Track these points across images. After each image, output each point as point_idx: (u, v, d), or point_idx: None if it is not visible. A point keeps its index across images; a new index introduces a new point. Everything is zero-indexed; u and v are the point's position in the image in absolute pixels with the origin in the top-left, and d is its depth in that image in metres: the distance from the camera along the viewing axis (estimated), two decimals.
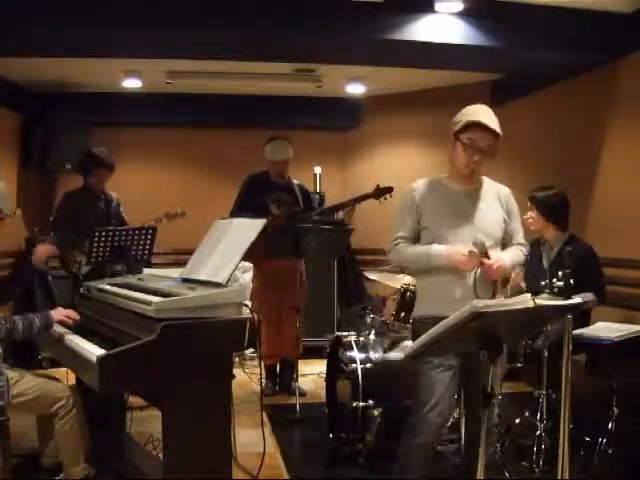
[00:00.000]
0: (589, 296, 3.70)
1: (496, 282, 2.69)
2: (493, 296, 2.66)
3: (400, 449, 2.81)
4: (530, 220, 3.91)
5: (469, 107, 2.79)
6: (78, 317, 2.96)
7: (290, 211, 4.80)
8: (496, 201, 2.84)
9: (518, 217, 2.92)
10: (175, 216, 4.89)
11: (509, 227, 2.86)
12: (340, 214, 4.90)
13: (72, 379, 3.22)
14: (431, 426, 2.69)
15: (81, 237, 4.21)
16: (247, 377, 5.50)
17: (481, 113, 2.73)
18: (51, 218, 5.90)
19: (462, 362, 2.69)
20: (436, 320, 2.62)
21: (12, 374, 2.84)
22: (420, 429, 2.72)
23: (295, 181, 5.05)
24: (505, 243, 2.86)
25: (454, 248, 2.67)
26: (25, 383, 2.87)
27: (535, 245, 4.03)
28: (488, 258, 2.63)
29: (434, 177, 2.91)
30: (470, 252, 2.61)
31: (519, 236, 2.90)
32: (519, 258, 2.87)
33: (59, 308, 3.00)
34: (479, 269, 2.65)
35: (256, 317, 2.66)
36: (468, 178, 2.80)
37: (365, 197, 4.77)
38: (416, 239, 2.82)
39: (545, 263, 3.92)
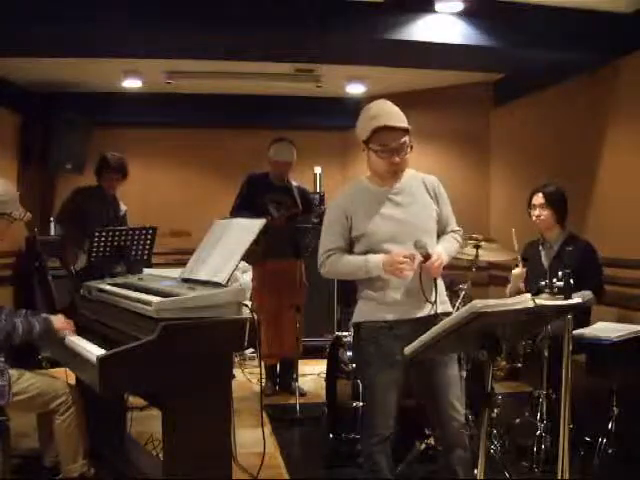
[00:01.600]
0: (588, 294, 3.70)
1: (436, 279, 2.64)
2: (436, 293, 2.62)
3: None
4: (542, 218, 3.91)
5: (368, 110, 2.69)
6: (74, 329, 2.94)
7: (289, 214, 4.80)
8: (423, 192, 2.75)
9: (448, 203, 2.82)
10: (180, 235, 4.93)
11: (442, 214, 2.77)
12: None
13: (72, 379, 3.21)
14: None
15: (83, 235, 4.24)
16: (247, 377, 5.50)
17: (381, 114, 2.64)
18: (51, 218, 5.93)
19: (416, 369, 2.67)
20: (383, 324, 2.64)
21: (12, 372, 2.85)
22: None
23: (294, 183, 5.04)
24: (439, 231, 2.78)
25: (390, 257, 2.57)
26: (25, 381, 2.87)
27: (534, 245, 4.04)
28: (429, 257, 2.56)
29: (355, 182, 2.82)
30: (410, 256, 2.54)
31: (452, 223, 2.82)
32: (455, 246, 2.79)
33: (59, 315, 2.98)
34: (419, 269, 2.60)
35: (256, 317, 2.65)
36: (391, 178, 2.72)
37: None
38: (349, 249, 2.73)
39: (545, 263, 3.92)
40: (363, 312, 2.75)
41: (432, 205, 2.75)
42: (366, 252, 2.68)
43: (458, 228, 2.85)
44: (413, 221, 2.69)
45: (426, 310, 2.65)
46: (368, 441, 2.71)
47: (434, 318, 2.58)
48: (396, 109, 2.69)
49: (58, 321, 2.90)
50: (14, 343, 2.82)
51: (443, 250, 2.69)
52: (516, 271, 3.89)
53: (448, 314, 2.69)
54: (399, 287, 2.64)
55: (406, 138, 2.66)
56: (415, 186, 2.76)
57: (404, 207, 2.70)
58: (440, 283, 2.73)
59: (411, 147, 2.68)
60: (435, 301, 2.63)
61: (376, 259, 2.62)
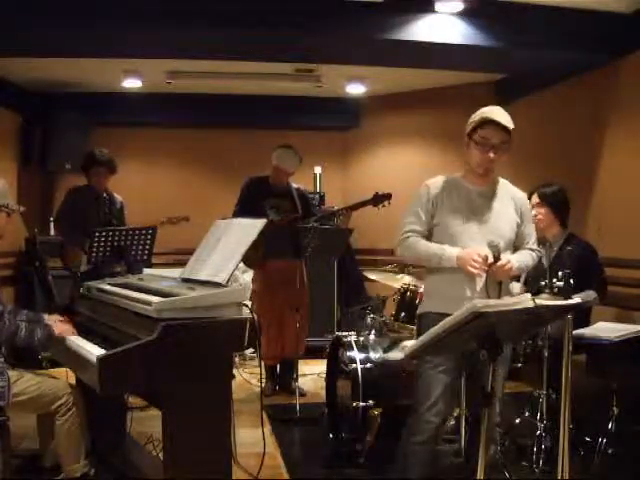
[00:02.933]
0: (592, 294, 3.70)
1: (501, 283, 2.68)
2: (499, 296, 2.65)
3: (400, 449, 2.81)
4: (540, 217, 3.91)
5: (482, 109, 2.81)
6: (75, 331, 2.93)
7: (288, 218, 4.79)
8: (510, 203, 2.84)
9: (532, 222, 2.92)
10: (178, 221, 4.94)
11: (523, 231, 2.85)
12: (336, 220, 4.89)
13: (72, 379, 3.21)
14: (429, 425, 2.69)
15: (82, 235, 4.24)
16: (247, 377, 5.50)
17: (493, 111, 2.76)
18: (51, 218, 5.93)
19: (466, 363, 2.69)
20: (443, 317, 2.66)
21: (12, 373, 2.84)
22: (418, 428, 2.72)
23: (294, 185, 5.03)
24: (517, 246, 2.86)
25: (466, 253, 2.64)
26: (25, 382, 2.87)
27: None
28: (500, 259, 2.62)
29: (450, 176, 2.90)
30: (484, 257, 2.60)
31: (531, 240, 2.89)
32: (528, 262, 2.85)
33: (60, 324, 2.97)
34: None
35: (256, 320, 2.65)
36: (483, 178, 2.81)
37: (363, 204, 4.76)
38: (428, 235, 2.81)
39: (545, 263, 3.92)
40: (426, 304, 2.83)
41: (515, 217, 2.83)
42: (440, 242, 2.75)
43: (536, 247, 2.91)
44: (494, 224, 2.76)
45: None
46: (410, 439, 2.75)
47: None
48: (505, 113, 2.80)
49: (58, 327, 2.89)
50: (15, 345, 2.82)
51: (515, 259, 2.74)
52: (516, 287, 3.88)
53: None
54: (466, 283, 2.68)
55: (507, 139, 2.76)
56: (504, 195, 2.85)
57: (488, 209, 2.78)
58: (506, 288, 2.75)
59: (507, 150, 2.78)
60: None
61: (452, 251, 2.68)
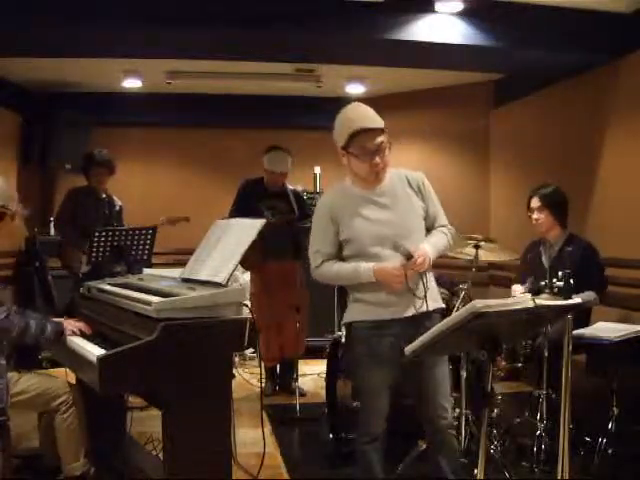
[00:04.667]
0: (591, 294, 3.70)
1: (425, 274, 2.64)
2: (424, 287, 2.63)
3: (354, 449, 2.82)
4: (540, 221, 3.90)
5: (341, 116, 2.70)
6: (90, 330, 2.93)
7: (284, 220, 4.78)
8: (407, 190, 2.74)
9: (435, 199, 2.80)
10: (178, 221, 4.95)
11: (429, 211, 2.76)
12: None
13: (72, 379, 3.21)
14: (374, 428, 2.71)
15: (82, 236, 4.25)
16: (247, 377, 5.50)
17: (357, 117, 2.65)
18: (51, 218, 5.93)
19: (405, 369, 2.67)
20: (373, 324, 2.65)
21: (11, 373, 2.85)
22: (365, 430, 2.74)
23: (290, 187, 5.02)
24: (428, 227, 2.77)
25: (382, 270, 2.58)
26: (25, 381, 2.88)
27: (535, 245, 4.03)
28: (412, 257, 2.56)
29: (339, 186, 2.82)
30: (401, 269, 2.56)
31: (441, 218, 2.80)
32: (444, 240, 2.76)
33: (70, 320, 2.98)
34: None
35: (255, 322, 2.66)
36: (374, 180, 2.72)
37: None
38: (339, 253, 2.73)
39: (545, 262, 3.92)
40: (353, 312, 2.76)
41: (417, 202, 2.74)
42: (354, 256, 2.68)
43: (446, 222, 2.82)
44: (398, 222, 2.68)
45: (415, 309, 2.65)
46: (360, 440, 2.74)
47: (425, 315, 2.62)
48: (369, 111, 2.67)
49: (70, 325, 2.90)
50: (25, 342, 2.82)
51: (429, 246, 2.67)
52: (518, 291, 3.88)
53: (440, 310, 2.73)
54: (384, 287, 2.63)
55: (383, 138, 2.64)
56: (398, 185, 2.75)
57: (389, 208, 2.70)
58: (430, 279, 2.71)
59: (389, 146, 2.67)
60: (425, 297, 2.63)
61: (367, 268, 2.61)
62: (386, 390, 2.69)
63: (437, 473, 2.69)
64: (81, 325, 2.91)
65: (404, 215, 2.70)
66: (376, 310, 2.66)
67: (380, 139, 2.63)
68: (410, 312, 2.65)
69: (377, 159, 2.64)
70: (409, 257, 2.56)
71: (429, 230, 2.78)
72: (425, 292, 2.64)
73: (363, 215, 2.68)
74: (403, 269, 2.56)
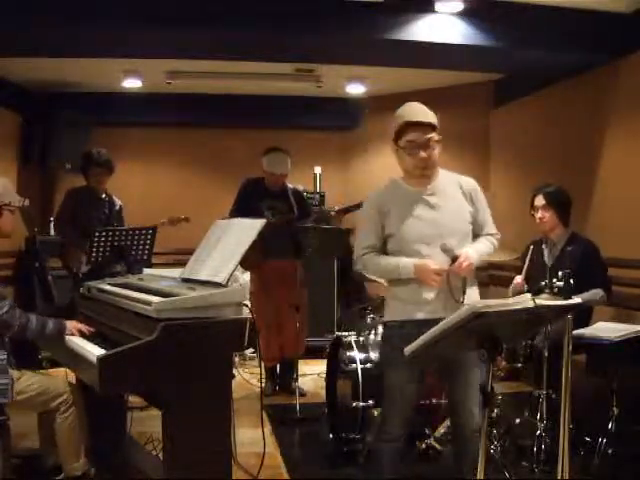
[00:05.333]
0: (599, 292, 3.71)
1: (465, 278, 2.65)
2: (463, 292, 2.63)
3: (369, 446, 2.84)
4: (545, 219, 3.90)
5: (398, 110, 2.74)
6: (92, 330, 2.93)
7: (284, 219, 4.78)
8: (458, 194, 2.77)
9: (486, 207, 2.84)
10: (179, 221, 4.95)
11: (477, 218, 2.79)
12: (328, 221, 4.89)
13: (72, 378, 3.21)
14: (395, 427, 2.72)
15: (82, 236, 4.25)
16: (247, 377, 5.50)
17: (411, 111, 2.70)
18: (51, 219, 5.93)
19: (442, 370, 2.69)
20: (408, 323, 2.67)
21: (12, 371, 2.85)
22: (386, 427, 2.76)
23: (290, 186, 5.02)
24: (476, 234, 2.80)
25: (423, 266, 2.61)
26: (25, 381, 2.88)
27: (538, 244, 4.03)
28: (457, 259, 2.59)
29: (391, 181, 2.86)
30: (439, 270, 2.58)
31: (488, 226, 2.83)
32: (488, 249, 2.80)
33: (73, 322, 2.97)
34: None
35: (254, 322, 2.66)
36: (424, 177, 2.75)
37: (359, 206, 4.75)
38: (383, 247, 2.77)
39: (548, 262, 3.92)
40: (389, 312, 2.80)
41: (466, 207, 2.77)
42: (397, 251, 2.71)
43: (495, 232, 2.85)
44: (445, 222, 2.70)
45: (451, 311, 2.65)
46: (377, 437, 2.78)
47: None
48: (422, 107, 2.73)
49: (72, 325, 2.90)
50: (26, 338, 2.83)
51: (473, 250, 2.70)
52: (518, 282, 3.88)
53: None
54: (424, 287, 2.65)
55: (433, 134, 2.69)
56: (450, 187, 2.79)
57: (437, 208, 2.72)
58: (471, 283, 2.72)
59: (439, 144, 2.72)
60: (462, 301, 2.63)
61: (408, 264, 2.64)
62: (410, 391, 2.70)
63: (455, 474, 2.71)
64: (82, 326, 2.91)
65: (451, 217, 2.72)
66: (411, 309, 2.67)
67: (428, 135, 2.68)
68: (445, 314, 2.66)
69: (423, 154, 2.68)
70: (454, 259, 2.59)
71: (475, 236, 2.81)
72: (463, 296, 2.64)
73: (410, 212, 2.71)
74: (444, 269, 2.58)
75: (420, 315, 2.66)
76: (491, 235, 2.84)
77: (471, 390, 2.67)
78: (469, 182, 2.84)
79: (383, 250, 2.77)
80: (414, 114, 2.68)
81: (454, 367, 2.67)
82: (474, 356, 2.66)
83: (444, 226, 2.69)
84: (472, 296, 2.73)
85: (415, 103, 2.75)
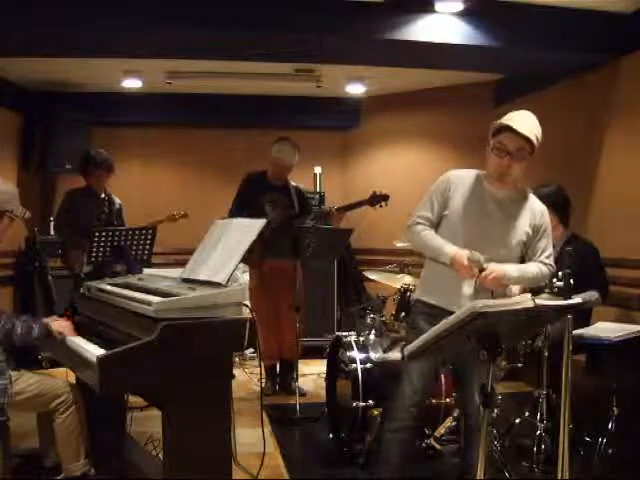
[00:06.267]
0: (594, 294, 3.70)
1: (492, 291, 2.67)
2: (491, 294, 2.66)
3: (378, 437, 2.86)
4: None
5: (509, 113, 2.78)
6: (75, 334, 2.93)
7: (284, 214, 4.79)
8: (526, 214, 2.80)
9: (548, 237, 2.86)
10: (178, 218, 4.96)
11: (535, 244, 2.81)
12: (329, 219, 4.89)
13: (72, 378, 3.21)
14: (407, 414, 2.76)
15: (82, 236, 4.25)
16: (247, 377, 5.50)
17: (514, 117, 2.72)
18: (51, 219, 5.93)
19: (456, 362, 2.72)
20: (430, 307, 2.72)
21: (11, 373, 2.84)
22: (397, 415, 2.80)
23: (293, 183, 5.03)
24: (529, 258, 2.83)
25: (460, 256, 2.64)
26: (24, 381, 2.87)
27: None
28: (483, 271, 2.62)
29: (475, 171, 2.90)
30: (469, 261, 2.61)
31: (544, 255, 2.83)
32: (535, 273, 2.79)
33: (59, 321, 2.97)
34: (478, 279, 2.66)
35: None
36: (501, 182, 2.78)
37: (360, 204, 4.76)
38: (437, 223, 2.83)
39: None
40: (420, 290, 2.88)
41: (526, 229, 2.78)
42: (442, 233, 2.76)
43: (548, 262, 2.84)
44: (498, 230, 2.73)
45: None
46: (386, 426, 2.83)
47: None
48: (531, 120, 2.74)
49: (57, 326, 2.89)
50: (13, 344, 2.81)
51: (514, 269, 2.71)
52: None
53: None
54: (465, 282, 2.70)
55: (525, 147, 2.68)
56: (521, 203, 2.81)
57: (498, 214, 2.76)
58: (501, 295, 2.73)
59: (527, 159, 2.71)
60: None
61: (450, 250, 2.68)
62: (420, 379, 2.73)
63: (464, 464, 2.73)
64: (67, 325, 2.90)
65: (507, 229, 2.75)
66: (436, 294, 2.73)
67: (520, 145, 2.68)
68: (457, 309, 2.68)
69: (505, 160, 2.69)
70: (480, 270, 2.61)
71: (529, 260, 2.83)
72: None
73: (472, 205, 2.76)
74: (469, 266, 2.61)
75: (442, 303, 2.72)
76: (543, 263, 2.82)
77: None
78: (540, 208, 2.85)
79: (436, 226, 2.82)
80: (517, 122, 2.69)
81: (468, 359, 2.68)
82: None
83: (495, 234, 2.73)
84: None
85: (529, 115, 2.77)
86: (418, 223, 2.82)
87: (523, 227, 2.78)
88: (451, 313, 2.61)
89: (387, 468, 2.80)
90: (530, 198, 2.87)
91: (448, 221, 2.78)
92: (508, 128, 2.67)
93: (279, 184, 4.93)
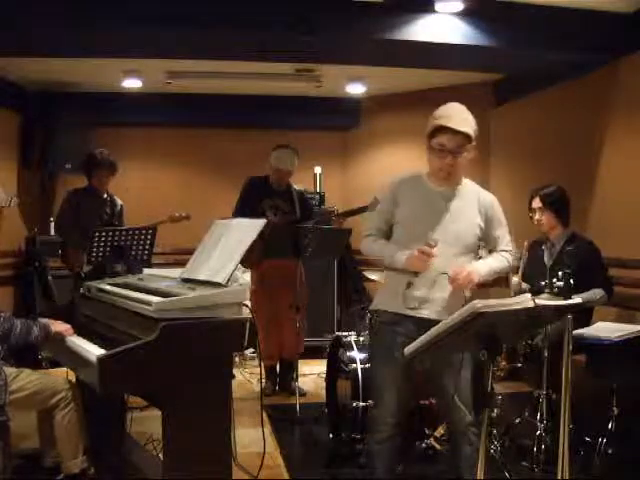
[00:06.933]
0: (599, 292, 3.70)
1: (463, 290, 2.68)
2: (464, 303, 2.63)
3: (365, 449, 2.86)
4: (542, 222, 3.91)
5: (440, 109, 2.74)
6: (73, 333, 2.93)
7: (286, 220, 4.79)
8: (474, 206, 2.78)
9: (502, 224, 2.85)
10: (179, 219, 4.96)
11: (491, 233, 2.80)
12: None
13: (72, 378, 3.21)
14: (385, 426, 2.73)
15: (83, 236, 4.25)
16: (247, 377, 5.50)
17: (448, 116, 2.68)
18: (51, 219, 5.93)
19: (432, 370, 2.71)
20: (391, 315, 2.71)
21: (10, 370, 2.84)
22: (376, 428, 2.78)
23: (295, 187, 5.04)
24: (490, 250, 2.83)
25: (411, 253, 2.64)
26: (23, 378, 2.87)
27: (537, 244, 4.03)
28: (432, 246, 2.61)
29: (416, 173, 2.87)
30: (419, 251, 2.60)
31: (504, 243, 2.84)
32: (501, 264, 2.80)
33: (58, 322, 2.96)
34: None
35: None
36: (445, 180, 2.76)
37: (360, 210, 4.76)
38: (389, 231, 2.82)
39: (547, 262, 3.92)
40: (379, 299, 2.84)
41: (478, 222, 2.77)
42: (398, 240, 2.75)
43: (510, 249, 2.85)
44: (450, 227, 2.72)
45: (429, 312, 2.66)
46: (370, 438, 2.81)
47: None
48: (463, 114, 2.72)
49: (57, 326, 2.89)
50: (11, 343, 2.81)
51: (483, 266, 2.72)
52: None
53: None
54: (420, 283, 2.67)
55: (464, 143, 2.68)
56: (468, 197, 2.80)
57: (448, 212, 2.74)
58: (459, 297, 2.73)
59: (468, 153, 2.71)
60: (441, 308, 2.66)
61: (401, 256, 2.67)
62: (396, 389, 2.71)
63: (453, 471, 2.71)
64: (64, 330, 2.89)
65: (458, 225, 2.73)
66: (397, 301, 2.69)
67: (460, 143, 2.67)
68: (425, 314, 2.68)
69: (449, 159, 2.67)
70: (429, 245, 2.60)
71: (491, 252, 2.83)
72: (446, 302, 2.67)
73: (421, 208, 2.74)
74: (429, 252, 2.59)
75: (403, 310, 2.68)
76: (504, 251, 2.84)
77: (464, 386, 2.68)
78: (487, 197, 2.84)
79: (388, 235, 2.81)
80: (451, 119, 2.66)
81: (442, 364, 2.66)
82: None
83: (450, 231, 2.71)
84: (457, 304, 2.73)
85: (457, 106, 2.74)
86: (369, 235, 2.83)
87: (475, 220, 2.76)
88: (412, 318, 2.65)
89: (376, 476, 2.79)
90: (475, 188, 2.85)
91: (402, 227, 2.76)
92: (445, 128, 2.65)
93: (281, 189, 4.93)
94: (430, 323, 2.61)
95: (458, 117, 2.68)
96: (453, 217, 2.73)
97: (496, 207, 2.84)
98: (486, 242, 2.82)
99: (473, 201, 2.79)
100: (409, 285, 2.66)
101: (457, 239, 2.70)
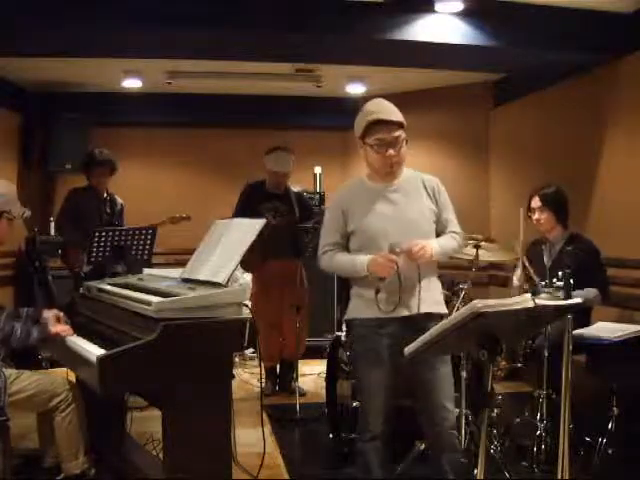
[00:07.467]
0: (593, 291, 3.70)
1: (419, 266, 2.64)
2: (419, 281, 2.65)
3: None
4: (541, 221, 3.90)
5: (363, 108, 2.74)
6: (72, 333, 2.93)
7: (285, 221, 4.78)
8: (421, 192, 2.77)
9: (449, 205, 2.83)
10: (179, 220, 4.96)
11: (441, 217, 2.79)
12: None
13: (72, 378, 3.21)
14: (373, 426, 2.72)
15: (84, 236, 4.25)
16: (247, 377, 5.50)
17: (378, 110, 2.69)
18: (51, 219, 5.93)
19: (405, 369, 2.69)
20: (371, 321, 2.68)
21: (10, 372, 2.84)
22: (364, 428, 2.76)
23: (293, 189, 5.02)
24: (439, 233, 2.80)
25: (374, 257, 2.61)
26: (23, 380, 2.87)
27: (537, 244, 4.03)
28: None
29: (354, 179, 2.88)
30: (384, 256, 2.58)
31: (452, 225, 2.82)
32: (453, 245, 2.78)
33: (56, 323, 2.96)
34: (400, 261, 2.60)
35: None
36: (390, 175, 2.75)
37: None
38: (345, 244, 2.78)
39: (547, 262, 3.92)
40: (354, 309, 2.80)
41: (430, 206, 2.77)
42: (358, 249, 2.71)
43: (458, 230, 2.85)
44: (405, 220, 2.70)
45: (410, 309, 2.66)
46: (360, 438, 2.78)
47: (423, 318, 2.63)
48: (390, 105, 2.73)
49: (55, 327, 2.88)
50: (11, 347, 2.81)
51: (435, 243, 2.69)
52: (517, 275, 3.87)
53: (439, 316, 2.70)
54: (388, 286, 2.64)
55: (400, 132, 2.70)
56: (413, 185, 2.79)
57: (399, 205, 2.73)
58: (433, 283, 2.75)
59: (406, 142, 2.72)
60: (419, 298, 2.64)
61: (362, 260, 2.65)
62: (384, 389, 2.70)
63: (438, 473, 2.69)
64: (66, 327, 2.90)
65: (413, 214, 2.72)
66: (372, 308, 2.67)
67: (397, 133, 2.68)
68: (405, 312, 2.66)
69: (391, 151, 2.68)
70: (394, 253, 2.58)
71: (439, 235, 2.79)
72: (419, 293, 2.65)
73: (372, 208, 2.72)
74: (394, 257, 2.57)
75: (382, 313, 2.65)
76: (454, 232, 2.82)
77: (441, 384, 2.67)
78: (431, 180, 2.83)
79: (346, 248, 2.78)
80: (383, 112, 2.68)
81: (419, 363, 2.62)
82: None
83: (405, 224, 2.69)
84: (436, 296, 2.76)
85: (382, 100, 2.75)
86: (325, 251, 2.78)
87: (427, 205, 2.76)
88: (389, 319, 2.64)
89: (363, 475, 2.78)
90: (415, 174, 2.83)
91: (357, 235, 2.73)
92: (379, 122, 2.65)
93: (279, 191, 4.92)
94: (411, 320, 2.64)
95: (387, 109, 2.70)
96: (405, 209, 2.72)
97: (442, 190, 2.83)
98: (436, 225, 2.79)
99: (419, 187, 2.78)
100: (378, 291, 2.63)
101: (415, 229, 2.68)
